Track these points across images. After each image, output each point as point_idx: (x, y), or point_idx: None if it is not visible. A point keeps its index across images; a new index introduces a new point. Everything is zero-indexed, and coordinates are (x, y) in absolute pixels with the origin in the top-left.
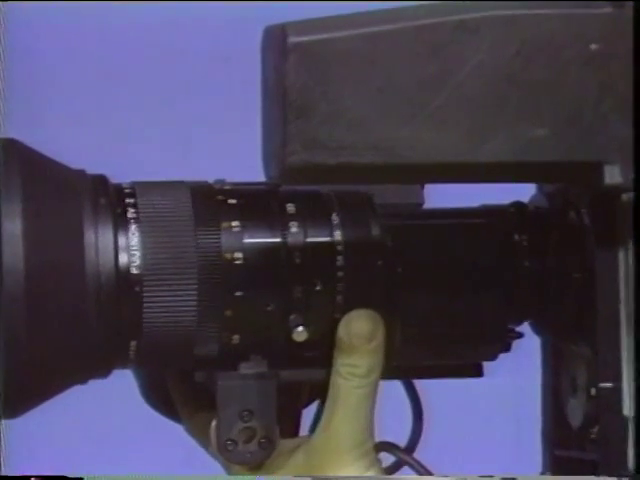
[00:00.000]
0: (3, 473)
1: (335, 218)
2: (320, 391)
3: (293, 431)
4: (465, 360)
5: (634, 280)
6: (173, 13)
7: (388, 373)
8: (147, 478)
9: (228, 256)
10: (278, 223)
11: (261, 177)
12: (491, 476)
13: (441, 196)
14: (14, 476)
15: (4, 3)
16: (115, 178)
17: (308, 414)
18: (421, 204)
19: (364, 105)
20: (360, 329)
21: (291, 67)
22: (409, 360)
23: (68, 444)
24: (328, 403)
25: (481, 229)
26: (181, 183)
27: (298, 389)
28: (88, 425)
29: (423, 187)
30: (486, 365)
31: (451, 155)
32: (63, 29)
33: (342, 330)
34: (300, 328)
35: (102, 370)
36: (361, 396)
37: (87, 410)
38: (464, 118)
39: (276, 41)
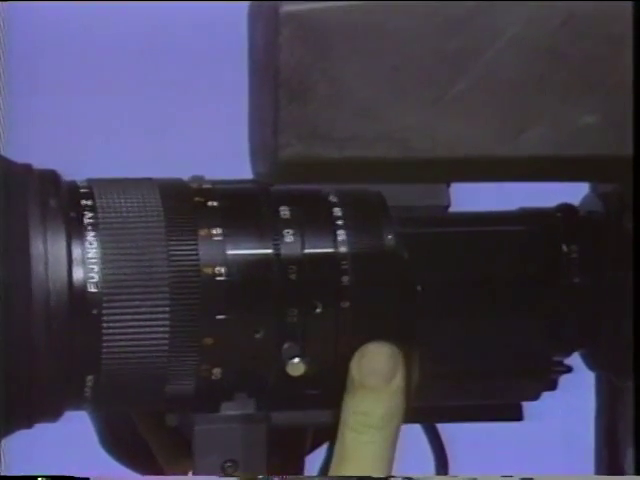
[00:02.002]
0: (4, 473)
1: (339, 224)
2: (328, 433)
3: None
4: (500, 400)
5: (634, 281)
6: None
7: (405, 416)
8: (154, 479)
9: (208, 271)
10: (269, 231)
11: (248, 174)
12: (510, 476)
13: (470, 197)
14: (20, 476)
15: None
16: (68, 175)
17: (316, 458)
18: (446, 207)
19: (373, 87)
20: (377, 367)
21: (284, 41)
22: (430, 401)
23: (75, 444)
24: (335, 462)
25: (520, 238)
26: (149, 181)
27: (300, 433)
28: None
29: (449, 186)
30: (527, 406)
31: (480, 148)
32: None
33: (354, 369)
34: (296, 360)
35: (51, 412)
36: (376, 453)
37: None
38: (495, 103)
39: (266, 11)
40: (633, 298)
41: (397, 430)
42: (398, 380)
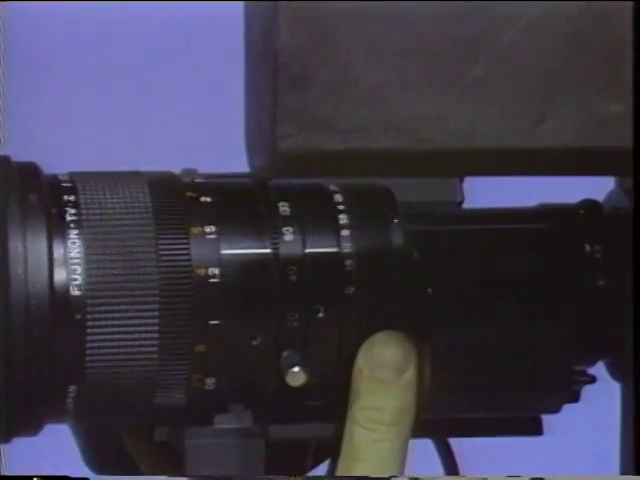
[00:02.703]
0: (4, 473)
1: (344, 222)
2: (331, 447)
3: None
4: (518, 413)
5: (634, 281)
6: None
7: (414, 430)
8: (153, 479)
9: (200, 272)
10: (267, 228)
11: (244, 167)
12: (518, 476)
13: (485, 193)
14: (15, 476)
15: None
16: (49, 168)
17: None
18: (459, 203)
19: (380, 72)
20: (387, 357)
21: (283, 24)
22: (442, 412)
23: (72, 444)
24: (343, 462)
25: (540, 237)
26: (137, 174)
27: (301, 447)
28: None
29: (462, 181)
30: (547, 419)
31: (496, 139)
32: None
33: (362, 359)
34: (296, 369)
35: (30, 425)
36: (388, 452)
37: None
38: (513, 91)
39: None
40: (633, 298)
41: (409, 427)
42: (410, 373)
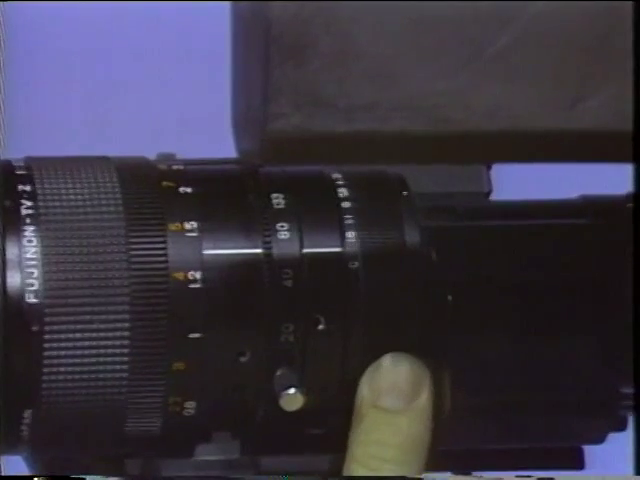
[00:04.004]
0: (4, 473)
1: (349, 217)
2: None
3: None
4: (555, 444)
5: (634, 281)
6: None
7: (430, 463)
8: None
9: (179, 276)
10: (258, 225)
11: (231, 152)
12: (529, 476)
13: (516, 182)
14: (16, 476)
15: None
16: (1, 152)
17: None
18: (487, 194)
19: (391, 42)
20: (395, 382)
21: None
22: (464, 443)
23: None
24: None
25: (581, 235)
26: (105, 160)
27: None
28: None
29: (489, 168)
30: (590, 451)
31: (527, 120)
32: None
33: (365, 385)
34: (292, 390)
35: None
36: None
37: None
38: (546, 65)
39: None
40: (633, 298)
41: (421, 465)
42: (423, 401)
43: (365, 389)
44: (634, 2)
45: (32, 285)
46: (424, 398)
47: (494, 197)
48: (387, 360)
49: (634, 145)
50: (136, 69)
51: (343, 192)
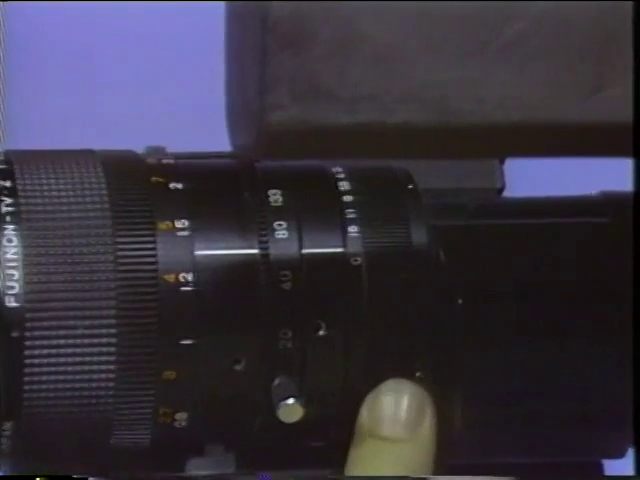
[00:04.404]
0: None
1: (352, 214)
2: None
3: None
4: (573, 457)
5: (634, 280)
6: None
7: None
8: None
9: (169, 279)
10: (254, 223)
11: (225, 146)
12: None
13: (531, 178)
14: (17, 475)
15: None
16: None
17: None
18: (499, 190)
19: (396, 29)
20: (395, 410)
21: None
22: (476, 457)
23: None
24: None
25: (601, 234)
26: (90, 153)
27: None
28: None
29: (502, 163)
30: (610, 465)
31: (542, 111)
32: None
33: (365, 412)
34: (291, 400)
35: None
36: None
37: None
38: (564, 52)
39: None
40: (633, 298)
41: None
42: (426, 429)
43: (364, 416)
44: (634, 2)
45: (12, 288)
46: (427, 426)
47: (507, 194)
48: (387, 387)
49: (634, 146)
50: (125, 58)
51: (344, 185)
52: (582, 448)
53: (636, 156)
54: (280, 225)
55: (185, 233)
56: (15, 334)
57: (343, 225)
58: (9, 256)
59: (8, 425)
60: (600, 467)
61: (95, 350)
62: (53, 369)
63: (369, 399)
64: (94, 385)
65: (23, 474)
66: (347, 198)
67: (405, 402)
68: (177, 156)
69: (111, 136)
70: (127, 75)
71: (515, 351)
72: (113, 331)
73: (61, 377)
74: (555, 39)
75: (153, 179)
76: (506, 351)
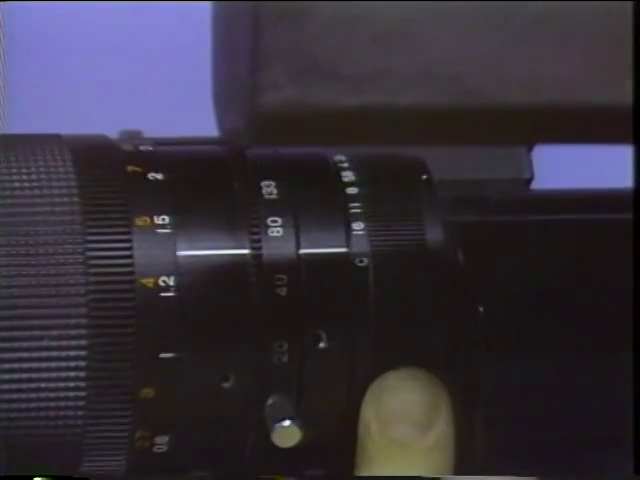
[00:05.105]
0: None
1: (356, 209)
2: None
3: None
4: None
5: (634, 280)
6: None
7: None
8: None
9: (148, 283)
10: (245, 219)
11: (212, 131)
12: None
13: (563, 168)
14: (16, 475)
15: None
16: None
17: None
18: (527, 182)
19: (404, 3)
20: (405, 407)
21: None
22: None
23: None
24: None
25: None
26: (56, 139)
27: None
28: None
29: (530, 150)
30: None
31: (573, 92)
32: None
33: (370, 409)
34: (287, 422)
35: None
36: None
37: None
38: (596, 27)
39: None
40: (633, 298)
41: None
42: (442, 426)
43: (370, 414)
44: (634, 2)
45: None
46: (443, 423)
47: (536, 185)
48: (393, 378)
49: (634, 149)
50: (97, 28)
51: (348, 176)
52: (613, 467)
53: (636, 158)
54: (274, 221)
55: (166, 230)
56: None
57: (347, 221)
58: None
59: None
60: None
61: (63, 364)
62: (15, 386)
63: (374, 391)
64: (61, 404)
65: (22, 474)
66: (351, 190)
67: (416, 396)
68: (156, 142)
69: (80, 118)
70: (95, 43)
71: (543, 365)
72: (84, 343)
73: (24, 395)
74: (584, 15)
75: (129, 168)
76: (533, 365)
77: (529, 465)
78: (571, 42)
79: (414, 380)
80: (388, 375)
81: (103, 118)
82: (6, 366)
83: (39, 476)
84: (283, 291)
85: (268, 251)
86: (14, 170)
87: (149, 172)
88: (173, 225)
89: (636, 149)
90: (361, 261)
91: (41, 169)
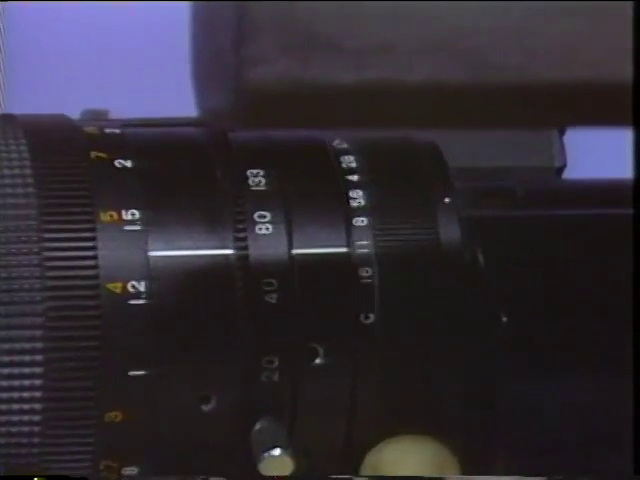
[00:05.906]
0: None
1: (358, 202)
2: None
3: None
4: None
5: (633, 280)
6: None
7: None
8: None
9: (115, 289)
10: (228, 214)
11: (190, 110)
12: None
13: (599, 155)
14: (15, 475)
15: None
16: None
17: None
18: (559, 170)
19: None
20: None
21: None
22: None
23: None
24: None
25: None
26: (7, 120)
27: None
28: None
29: (562, 134)
30: None
31: (609, 68)
32: None
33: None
34: (277, 451)
35: None
36: None
37: None
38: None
39: None
40: (633, 298)
41: None
42: None
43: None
44: (634, 2)
45: None
46: None
47: (567, 175)
48: (395, 450)
49: (635, 148)
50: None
51: (349, 162)
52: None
53: (636, 158)
54: (263, 217)
55: (136, 227)
56: None
57: (347, 215)
58: None
59: None
60: None
61: (16, 383)
62: None
63: (370, 460)
64: (13, 430)
65: (22, 474)
66: (352, 178)
67: (419, 470)
68: (125, 123)
69: (33, 96)
70: (63, 14)
71: (575, 384)
72: (39, 358)
73: None
74: None
75: (93, 154)
76: (563, 384)
77: (532, 465)
78: (606, 11)
79: (416, 450)
80: (384, 445)
81: (65, 94)
82: None
83: (39, 476)
84: (273, 298)
85: (255, 251)
86: None
87: (116, 159)
88: (144, 221)
89: (637, 150)
90: (364, 260)
91: None
